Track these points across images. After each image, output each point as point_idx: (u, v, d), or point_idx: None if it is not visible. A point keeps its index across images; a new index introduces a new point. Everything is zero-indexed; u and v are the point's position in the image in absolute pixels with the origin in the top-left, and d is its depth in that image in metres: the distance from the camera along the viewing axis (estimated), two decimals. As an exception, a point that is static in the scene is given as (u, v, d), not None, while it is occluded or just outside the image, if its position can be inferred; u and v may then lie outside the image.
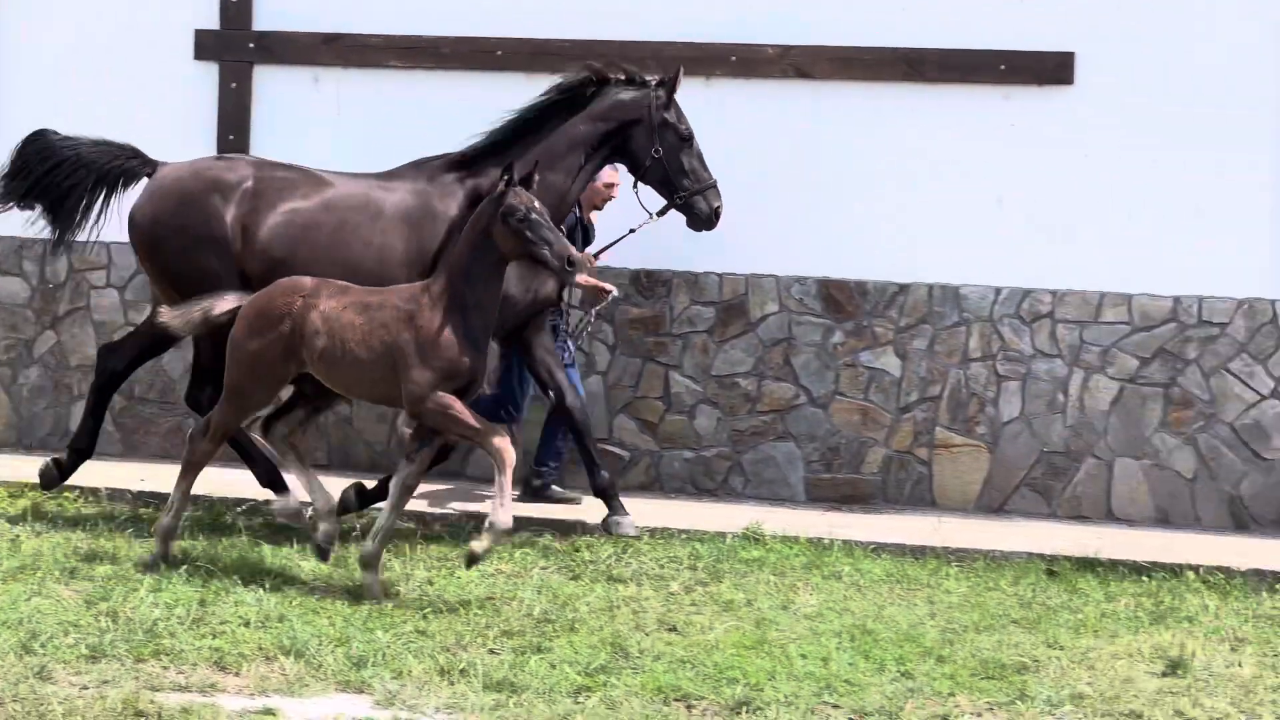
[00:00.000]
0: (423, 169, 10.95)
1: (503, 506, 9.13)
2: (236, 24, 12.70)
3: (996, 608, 9.69)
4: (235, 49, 12.71)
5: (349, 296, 9.56)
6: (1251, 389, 11.73)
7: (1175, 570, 10.48)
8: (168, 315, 9.91)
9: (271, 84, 12.72)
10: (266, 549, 10.17)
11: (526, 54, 12.37)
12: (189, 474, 9.85)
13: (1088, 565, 10.57)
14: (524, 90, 11.08)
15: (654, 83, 10.95)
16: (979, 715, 7.85)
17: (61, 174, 10.95)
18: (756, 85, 12.23)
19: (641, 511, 11.24)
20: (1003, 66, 11.85)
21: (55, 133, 11.11)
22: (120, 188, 11.06)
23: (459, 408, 9.27)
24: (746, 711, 7.74)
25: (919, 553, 10.72)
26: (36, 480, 11.21)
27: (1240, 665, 8.63)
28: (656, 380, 12.42)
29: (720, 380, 12.21)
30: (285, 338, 9.48)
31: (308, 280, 9.73)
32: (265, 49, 12.68)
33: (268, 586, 9.31)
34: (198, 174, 10.89)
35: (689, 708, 7.82)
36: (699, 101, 11.79)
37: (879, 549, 10.83)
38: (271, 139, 12.47)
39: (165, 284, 10.84)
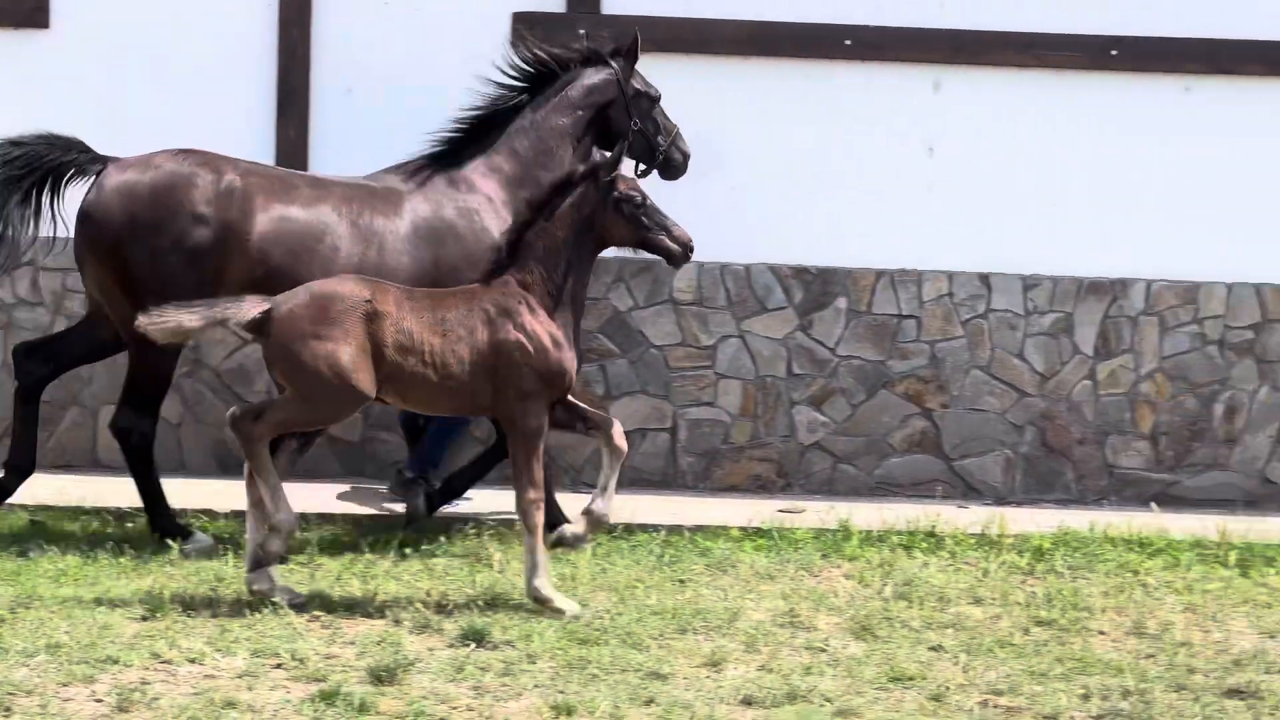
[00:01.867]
0: (410, 171, 10.32)
1: (604, 496, 8.95)
2: None
3: (-30, 562, 9.48)
4: None
5: (418, 301, 8.79)
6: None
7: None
8: (155, 324, 8.63)
9: None
10: None
11: None
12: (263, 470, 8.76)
13: (72, 514, 10.50)
14: None
15: (608, 53, 10.56)
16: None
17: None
18: None
19: None
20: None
21: None
22: (65, 186, 10.07)
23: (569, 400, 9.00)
24: None
25: None
26: None
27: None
28: None
29: None
30: (357, 348, 8.59)
31: (363, 282, 8.85)
32: None
33: None
34: (175, 172, 9.89)
35: None
36: None
37: None
38: None
39: (124, 289, 9.82)
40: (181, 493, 10.74)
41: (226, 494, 10.83)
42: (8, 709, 7.20)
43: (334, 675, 7.74)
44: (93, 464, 11.89)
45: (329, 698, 7.44)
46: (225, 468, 11.80)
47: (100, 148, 10.19)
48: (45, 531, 10.18)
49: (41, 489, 10.78)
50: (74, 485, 11.09)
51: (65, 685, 7.53)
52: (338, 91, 11.87)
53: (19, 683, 7.47)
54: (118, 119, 11.61)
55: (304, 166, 11.74)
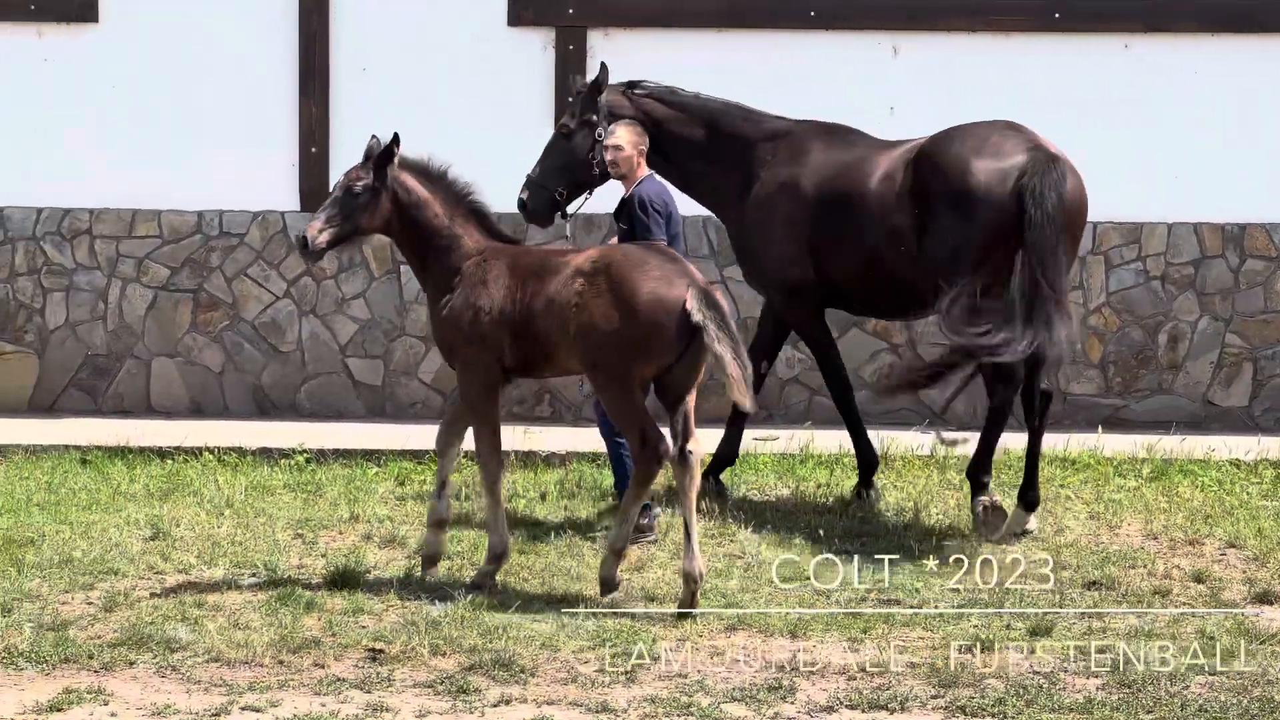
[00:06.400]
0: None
1: None
2: None
3: (22, 494, 10.90)
4: None
5: None
6: (268, 290, 13.33)
7: (195, 452, 11.95)
8: None
9: None
10: None
11: None
12: None
13: (119, 453, 11.91)
14: None
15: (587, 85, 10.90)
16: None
17: None
18: None
19: None
20: (33, 6, 13.00)
21: None
22: None
23: None
24: None
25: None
26: None
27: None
28: None
29: None
30: None
31: None
32: None
33: None
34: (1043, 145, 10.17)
35: None
36: None
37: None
38: None
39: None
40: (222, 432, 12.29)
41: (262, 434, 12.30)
42: (8, 610, 8.56)
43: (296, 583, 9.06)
44: (147, 409, 13.36)
45: (285, 599, 8.76)
46: (262, 410, 13.28)
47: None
48: (95, 468, 11.59)
49: (99, 431, 12.32)
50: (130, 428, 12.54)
51: (66, 592, 8.91)
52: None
53: (27, 590, 8.85)
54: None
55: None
